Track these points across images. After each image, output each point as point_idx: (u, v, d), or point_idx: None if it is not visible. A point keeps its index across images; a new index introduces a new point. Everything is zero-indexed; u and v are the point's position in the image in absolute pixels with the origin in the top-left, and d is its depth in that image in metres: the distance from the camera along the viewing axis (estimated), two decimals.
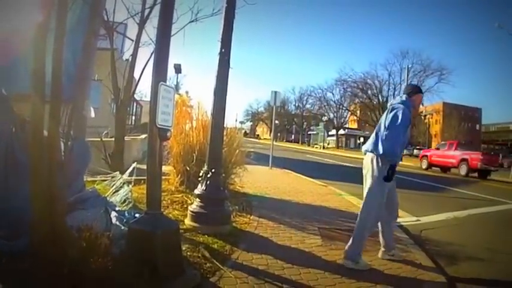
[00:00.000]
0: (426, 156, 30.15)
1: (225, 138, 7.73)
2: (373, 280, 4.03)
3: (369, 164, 4.63)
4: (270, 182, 11.42)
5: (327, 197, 9.60)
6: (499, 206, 11.89)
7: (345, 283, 3.88)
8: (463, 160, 25.32)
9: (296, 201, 8.49)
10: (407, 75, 51.82)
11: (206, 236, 4.86)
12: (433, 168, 28.57)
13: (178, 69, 38.30)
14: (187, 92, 10.59)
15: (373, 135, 4.73)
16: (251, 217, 6.28)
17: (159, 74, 3.48)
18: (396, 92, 64.05)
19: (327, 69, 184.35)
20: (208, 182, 5.34)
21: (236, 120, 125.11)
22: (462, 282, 4.46)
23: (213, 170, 5.36)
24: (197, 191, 5.43)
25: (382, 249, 4.92)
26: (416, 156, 58.67)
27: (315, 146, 79.50)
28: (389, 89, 65.99)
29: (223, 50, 5.51)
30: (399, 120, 4.41)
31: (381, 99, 65.79)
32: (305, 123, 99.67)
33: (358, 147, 69.25)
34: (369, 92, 66.71)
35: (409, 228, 7.15)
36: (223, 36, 5.59)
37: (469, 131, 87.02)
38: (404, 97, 4.84)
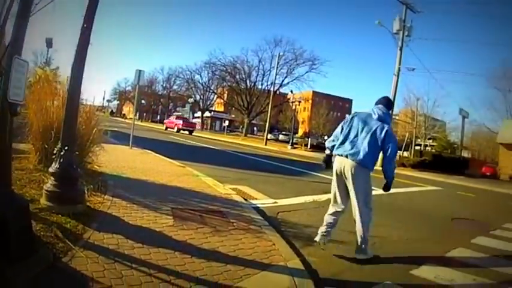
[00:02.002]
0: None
1: (83, 115, 7.70)
2: (222, 260, 4.20)
3: (351, 171, 5.04)
4: (128, 162, 11.30)
5: (183, 178, 9.77)
6: None
7: (194, 263, 4.02)
8: (176, 125, 50.84)
9: (152, 181, 8.51)
10: (278, 63, 53.54)
11: (60, 215, 4.73)
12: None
13: (49, 43, 35.96)
14: (57, 68, 10.07)
15: (362, 143, 5.07)
16: (105, 196, 6.22)
17: (14, 47, 3.35)
18: (265, 78, 66.43)
19: (198, 51, 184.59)
20: (61, 160, 5.14)
21: (104, 99, 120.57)
22: (318, 264, 4.81)
23: (66, 148, 5.17)
24: (51, 169, 5.20)
25: (321, 233, 5.36)
26: (282, 141, 61.17)
27: None
28: (258, 74, 67.37)
29: (85, 26, 5.34)
30: (393, 142, 5.10)
31: (248, 84, 66.93)
32: (171, 104, 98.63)
33: (223, 130, 70.62)
34: (237, 76, 67.49)
35: (265, 211, 7.45)
36: (87, 11, 5.40)
37: (339, 120, 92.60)
38: (384, 109, 5.27)
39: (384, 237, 6.56)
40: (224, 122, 70.20)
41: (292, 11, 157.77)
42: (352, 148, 5.08)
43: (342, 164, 5.13)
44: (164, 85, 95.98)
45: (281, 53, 57.71)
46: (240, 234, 5.29)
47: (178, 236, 4.86)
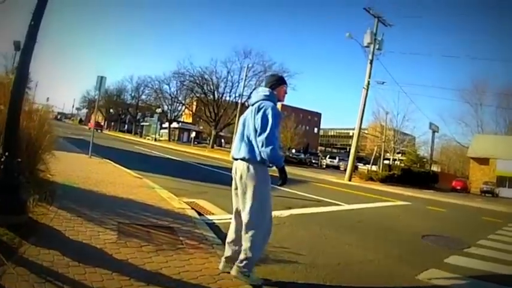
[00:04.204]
0: None
1: (35, 121, 7.32)
2: (163, 284, 3.83)
3: (245, 172, 4.35)
4: (83, 171, 10.90)
5: (138, 190, 9.42)
6: (326, 207, 12.11)
7: (132, 286, 3.67)
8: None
9: (103, 193, 8.11)
10: (246, 75, 53.50)
11: None
12: None
13: (17, 46, 35.36)
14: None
15: (243, 139, 4.43)
16: (51, 208, 5.87)
17: None
18: (233, 90, 65.78)
19: (167, 62, 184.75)
20: (1, 167, 4.80)
21: (73, 107, 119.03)
22: (267, 286, 4.40)
23: (6, 154, 4.82)
24: None
25: (224, 259, 4.58)
26: None
27: (147, 137, 78.41)
28: (226, 86, 66.71)
29: (32, 23, 5.05)
30: (270, 121, 4.20)
31: (216, 96, 66.41)
32: (139, 113, 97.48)
33: (190, 141, 69.92)
34: (205, 87, 67.04)
35: (221, 227, 7.06)
36: (36, 8, 5.11)
37: (308, 133, 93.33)
38: (267, 91, 4.53)
39: (349, 257, 6.26)
40: (191, 133, 69.76)
41: (262, 23, 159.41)
42: (236, 147, 4.56)
43: (234, 167, 4.58)
44: (133, 94, 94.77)
45: (250, 65, 57.74)
46: (187, 254, 4.88)
47: (120, 254, 4.48)
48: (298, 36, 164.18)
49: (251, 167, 4.32)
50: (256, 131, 4.27)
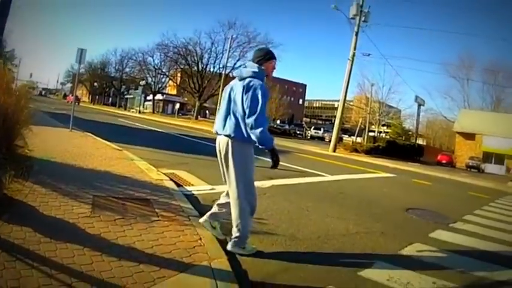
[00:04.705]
0: None
1: (12, 95, 7.14)
2: (135, 258, 3.76)
3: (230, 149, 4.36)
4: (62, 145, 10.71)
5: (116, 161, 9.32)
6: (308, 178, 12.17)
7: (103, 262, 3.59)
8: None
9: (80, 166, 7.97)
10: (230, 46, 53.10)
11: None
12: None
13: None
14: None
15: (229, 115, 4.37)
16: (26, 183, 5.75)
17: None
18: (217, 61, 65.52)
19: (150, 33, 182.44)
20: None
21: (57, 82, 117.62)
22: (249, 263, 4.33)
23: None
24: None
25: (207, 214, 4.86)
26: None
27: (132, 110, 77.92)
28: (210, 57, 66.35)
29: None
30: (260, 102, 4.16)
31: (200, 67, 65.92)
32: (124, 86, 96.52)
33: (174, 113, 69.72)
34: (189, 58, 66.41)
35: (200, 198, 7.05)
36: None
37: (292, 105, 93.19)
38: (256, 68, 4.42)
39: (329, 230, 6.20)
40: (176, 105, 69.33)
41: None
42: (220, 122, 4.51)
43: (217, 141, 4.57)
44: (117, 67, 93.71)
45: (234, 36, 57.78)
46: (162, 226, 4.82)
47: (93, 228, 4.41)
48: (284, 6, 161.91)
49: (235, 144, 4.33)
50: (244, 111, 4.22)
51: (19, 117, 7.40)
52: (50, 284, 3.08)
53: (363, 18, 30.37)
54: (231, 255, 4.37)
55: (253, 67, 4.44)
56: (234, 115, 4.33)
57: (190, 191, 7.62)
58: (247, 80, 4.32)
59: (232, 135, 4.31)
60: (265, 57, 4.58)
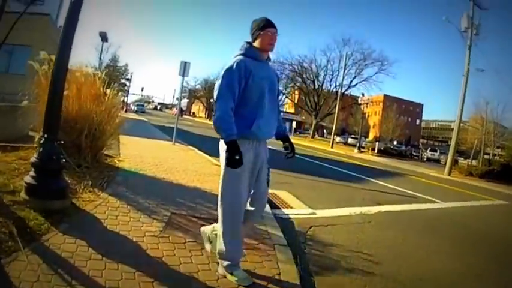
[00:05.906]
0: None
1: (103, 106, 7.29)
2: None
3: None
4: (158, 158, 10.43)
5: (211, 178, 8.48)
6: (421, 204, 10.69)
7: None
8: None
9: (169, 180, 7.43)
10: (345, 64, 52.43)
11: (32, 210, 4.06)
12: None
13: (104, 37, 37.85)
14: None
15: None
16: (101, 194, 5.39)
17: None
18: (333, 79, 64.94)
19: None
20: (41, 150, 4.47)
21: (173, 97, 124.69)
22: None
23: (45, 136, 4.49)
24: (32, 160, 4.52)
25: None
26: (351, 144, 60.04)
27: None
28: (325, 74, 65.90)
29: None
30: (219, 82, 3.33)
31: (316, 85, 65.78)
32: None
33: (291, 131, 69.55)
34: (304, 75, 66.43)
35: (297, 223, 6.20)
36: None
37: (409, 125, 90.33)
38: (245, 44, 3.58)
39: (434, 271, 4.95)
40: (292, 124, 69.45)
41: (359, 10, 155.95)
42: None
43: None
44: None
45: (349, 53, 56.48)
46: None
47: (156, 250, 3.78)
48: (395, 25, 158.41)
49: (220, 142, 3.46)
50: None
51: (108, 127, 7.46)
52: None
53: (474, 31, 28.28)
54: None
55: (243, 45, 3.60)
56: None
57: (287, 214, 6.78)
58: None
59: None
60: (259, 26, 3.57)
